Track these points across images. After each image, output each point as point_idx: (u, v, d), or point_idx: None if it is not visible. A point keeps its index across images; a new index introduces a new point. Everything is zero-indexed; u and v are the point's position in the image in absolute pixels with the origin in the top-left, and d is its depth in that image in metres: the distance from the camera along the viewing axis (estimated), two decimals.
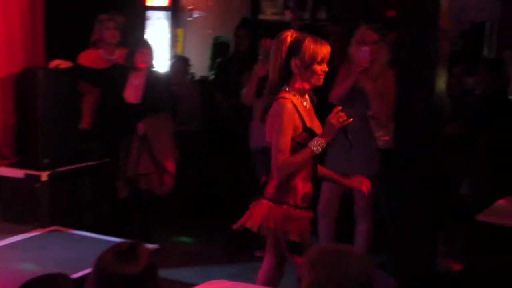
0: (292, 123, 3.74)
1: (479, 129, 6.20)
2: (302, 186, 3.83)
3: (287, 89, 3.79)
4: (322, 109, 4.00)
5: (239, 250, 5.91)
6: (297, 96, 3.80)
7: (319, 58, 3.76)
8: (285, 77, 3.80)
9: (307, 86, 3.83)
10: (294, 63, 3.77)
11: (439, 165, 5.12)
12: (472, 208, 5.28)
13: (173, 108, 6.09)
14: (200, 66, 8.09)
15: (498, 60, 7.17)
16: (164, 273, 4.21)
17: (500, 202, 5.12)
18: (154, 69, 6.04)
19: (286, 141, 3.73)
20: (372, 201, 5.34)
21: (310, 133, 3.78)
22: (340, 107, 3.76)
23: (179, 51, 8.51)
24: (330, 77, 5.51)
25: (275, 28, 8.29)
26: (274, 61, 3.82)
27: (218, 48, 8.37)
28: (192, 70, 7.85)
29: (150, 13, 8.25)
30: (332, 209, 5.41)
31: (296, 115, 3.76)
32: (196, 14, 8.95)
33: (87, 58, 6.16)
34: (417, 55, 4.86)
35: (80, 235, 5.19)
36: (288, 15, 8.27)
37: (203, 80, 8.01)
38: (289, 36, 3.80)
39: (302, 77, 3.79)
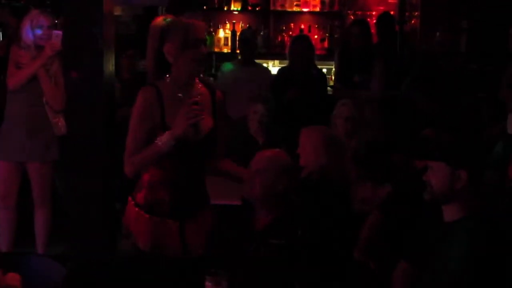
0: (147, 115, 3.27)
1: None
2: (153, 190, 3.41)
3: (167, 79, 3.33)
4: None
5: None
6: (171, 88, 3.31)
7: (190, 40, 3.24)
8: (162, 67, 3.32)
9: (183, 76, 3.32)
10: (166, 50, 3.29)
11: (112, 150, 5.19)
12: None
13: None
14: None
15: None
16: None
17: None
18: None
19: (131, 135, 3.30)
20: (50, 189, 5.31)
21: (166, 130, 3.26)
22: (195, 99, 3.23)
23: None
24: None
25: None
26: (148, 49, 3.36)
27: None
28: None
29: None
30: (11, 197, 5.32)
31: (155, 108, 3.28)
32: None
33: None
34: (83, 40, 4.84)
35: None
36: None
37: None
38: (162, 20, 3.34)
39: (176, 66, 3.29)
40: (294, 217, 3.43)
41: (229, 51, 8.22)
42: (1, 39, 7.64)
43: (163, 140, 3.20)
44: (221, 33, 8.32)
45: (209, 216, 3.55)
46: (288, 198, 3.46)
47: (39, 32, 5.10)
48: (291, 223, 3.39)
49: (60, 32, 5.00)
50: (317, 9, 8.30)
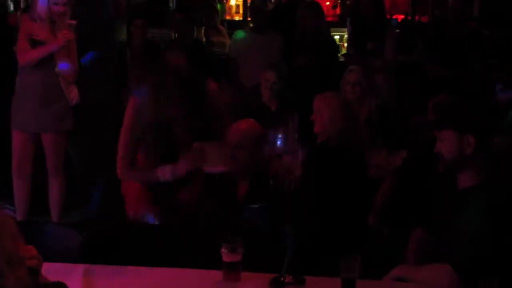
0: None
1: None
2: None
3: None
4: None
5: None
6: None
7: None
8: None
9: None
10: None
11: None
12: None
13: None
14: None
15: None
16: None
17: None
18: None
19: None
20: (63, 158, 5.32)
21: None
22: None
23: None
24: None
25: None
26: None
27: None
28: None
29: None
30: (26, 167, 5.32)
31: None
32: None
33: None
34: (95, 10, 4.85)
35: None
36: None
37: None
38: None
39: None
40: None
41: (241, 18, 8.18)
42: (12, 9, 7.65)
43: (164, 173, 3.51)
44: (233, 1, 8.29)
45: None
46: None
47: (55, 7, 5.04)
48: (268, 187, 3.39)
49: (74, 22, 4.99)
50: None
